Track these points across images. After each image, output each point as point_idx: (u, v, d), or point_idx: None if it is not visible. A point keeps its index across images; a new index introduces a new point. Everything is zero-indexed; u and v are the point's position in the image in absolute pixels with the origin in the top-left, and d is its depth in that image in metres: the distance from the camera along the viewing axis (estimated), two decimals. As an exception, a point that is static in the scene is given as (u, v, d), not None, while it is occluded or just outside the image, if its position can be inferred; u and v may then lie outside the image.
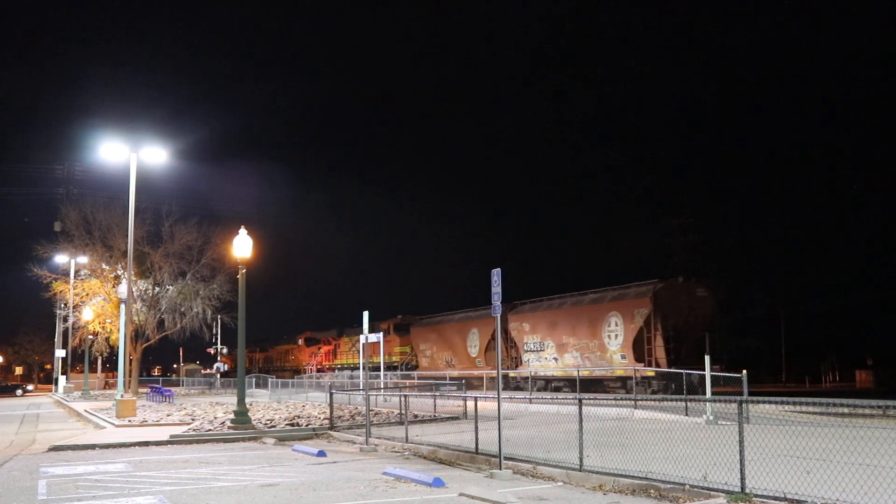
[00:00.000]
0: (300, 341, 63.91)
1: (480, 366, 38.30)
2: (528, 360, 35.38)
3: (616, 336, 30.39)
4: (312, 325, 68.07)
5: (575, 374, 30.75)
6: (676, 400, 20.20)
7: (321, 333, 60.34)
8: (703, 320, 29.13)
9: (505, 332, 37.39)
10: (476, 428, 13.84)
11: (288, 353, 66.12)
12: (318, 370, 56.26)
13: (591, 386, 30.81)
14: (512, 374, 34.97)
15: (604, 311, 31.20)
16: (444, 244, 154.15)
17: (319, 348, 59.11)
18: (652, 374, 28.37)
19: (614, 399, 18.08)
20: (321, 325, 62.44)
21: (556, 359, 33.67)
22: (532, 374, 33.73)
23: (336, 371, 52.27)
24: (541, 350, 34.73)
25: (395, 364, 46.14)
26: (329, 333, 58.38)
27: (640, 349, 29.36)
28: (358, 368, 48.36)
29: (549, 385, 32.99)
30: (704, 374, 23.05)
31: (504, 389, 30.14)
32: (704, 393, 22.01)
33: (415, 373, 42.99)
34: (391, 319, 48.08)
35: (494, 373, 36.26)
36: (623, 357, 29.90)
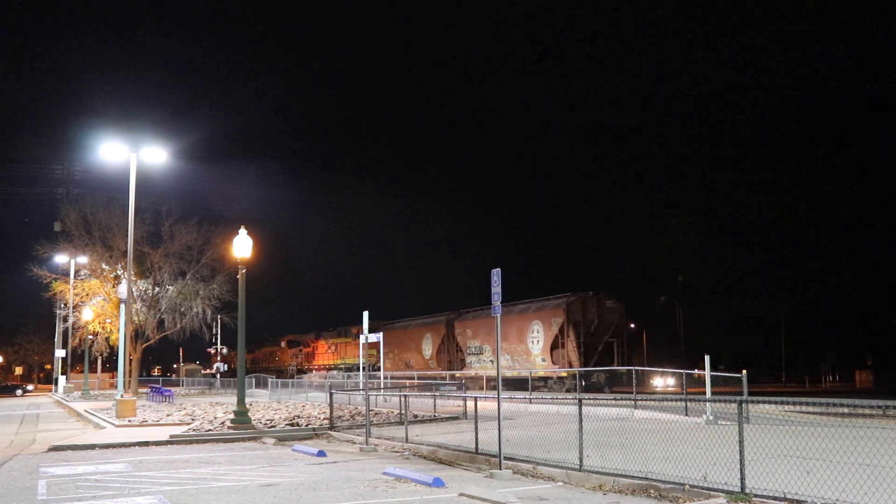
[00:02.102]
0: (283, 343, 66.32)
1: (433, 367, 42.38)
2: (471, 361, 39.82)
3: (538, 342, 34.91)
4: (310, 325, 69.91)
5: (507, 374, 35.02)
6: (677, 400, 20.21)
7: (301, 336, 63.04)
8: (612, 328, 33.97)
9: (452, 336, 42.08)
10: (476, 428, 13.84)
11: (272, 355, 68.07)
12: (299, 370, 58.79)
13: (521, 384, 33.76)
14: (458, 374, 38.86)
15: (528, 319, 35.61)
16: (442, 245, 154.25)
17: (301, 350, 61.59)
18: (565, 374, 32.74)
19: (614, 399, 18.09)
20: (318, 325, 64.81)
21: (491, 361, 38.01)
22: (474, 374, 38.14)
23: (314, 371, 55.44)
24: (480, 353, 39.32)
25: (363, 365, 48.94)
26: (308, 336, 60.96)
27: (557, 353, 33.69)
28: (333, 369, 52.71)
29: (489, 384, 36.02)
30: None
31: (452, 388, 31.55)
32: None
33: (378, 374, 45.62)
34: (360, 324, 50.11)
35: (445, 373, 39.94)
36: (543, 360, 34.26)
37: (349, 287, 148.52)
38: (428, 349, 43.92)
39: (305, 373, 56.42)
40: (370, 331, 51.13)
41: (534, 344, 35.06)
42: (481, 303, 40.72)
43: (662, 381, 42.05)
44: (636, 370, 24.90)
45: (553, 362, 33.58)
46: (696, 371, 24.18)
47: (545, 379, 33.72)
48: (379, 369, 47.11)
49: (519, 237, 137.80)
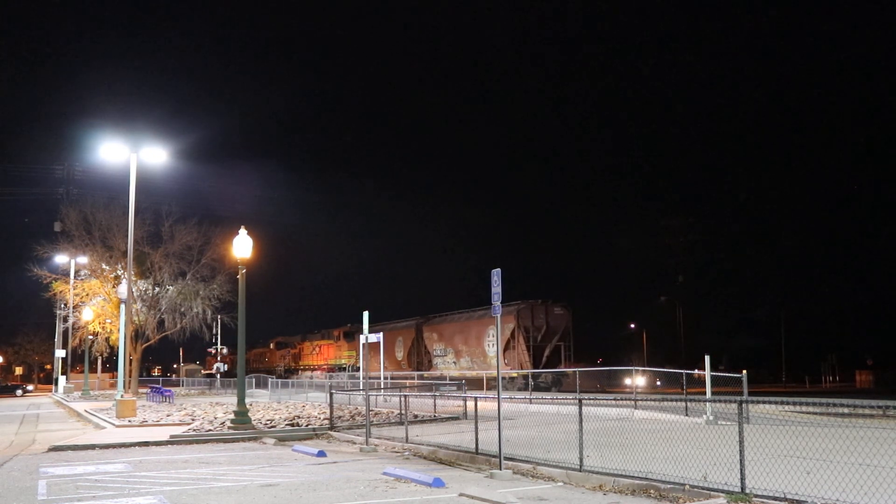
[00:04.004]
0: (272, 345, 69.22)
1: (404, 367, 45.72)
2: (436, 363, 43.33)
3: (493, 345, 38.31)
4: (306, 325, 72.29)
5: (468, 374, 38.25)
6: (677, 400, 20.21)
7: (289, 338, 66.47)
8: (560, 332, 37.19)
9: (421, 339, 45.38)
10: (476, 428, 13.83)
11: (262, 356, 70.48)
12: (287, 371, 61.70)
13: (479, 384, 36.39)
14: (426, 374, 42.08)
15: (485, 325, 38.98)
16: (442, 245, 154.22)
17: (289, 351, 64.56)
18: (515, 374, 35.69)
19: (614, 399, 18.07)
20: (309, 326, 68.42)
21: (454, 362, 41.71)
22: (440, 374, 41.18)
23: (300, 372, 58.88)
24: (444, 355, 42.96)
25: (344, 366, 52.98)
26: (295, 338, 64.57)
27: (509, 355, 37.17)
28: (316, 370, 56.01)
29: (486, 385, 38.58)
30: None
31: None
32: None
33: (357, 374, 48.84)
34: (342, 327, 54.66)
35: (415, 374, 42.14)
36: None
37: (344, 288, 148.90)
38: (400, 351, 47.04)
39: (293, 373, 59.19)
40: (348, 336, 54.70)
41: (490, 347, 38.56)
42: (449, 307, 45.32)
43: (631, 381, 42.84)
44: (635, 369, 25.51)
45: (506, 364, 36.67)
46: (696, 371, 24.16)
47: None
48: (359, 369, 49.61)
49: (515, 240, 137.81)
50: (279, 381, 41.79)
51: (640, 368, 31.40)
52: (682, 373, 23.83)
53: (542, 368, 34.14)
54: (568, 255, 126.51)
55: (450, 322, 43.47)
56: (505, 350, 37.07)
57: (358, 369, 50.22)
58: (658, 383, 43.89)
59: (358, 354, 51.66)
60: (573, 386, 34.06)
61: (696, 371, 23.98)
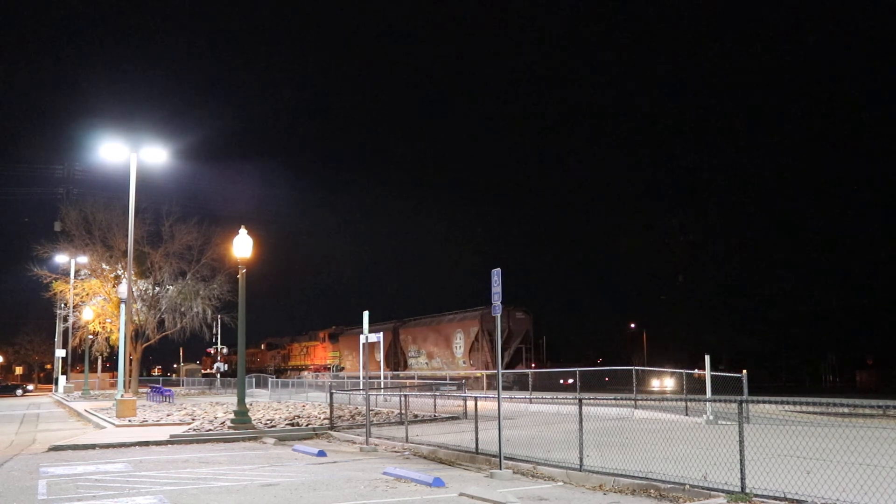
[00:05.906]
0: (263, 346, 72.50)
1: (383, 367, 48.17)
2: (411, 363, 46.64)
3: (460, 347, 41.62)
4: (297, 325, 75.90)
5: (438, 374, 40.65)
6: (677, 400, 20.23)
7: (279, 339, 70.02)
8: (521, 335, 39.74)
9: (397, 341, 48.31)
10: (476, 428, 13.84)
11: (255, 357, 73.00)
12: (277, 370, 64.78)
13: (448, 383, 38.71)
14: (402, 374, 44.94)
15: (453, 328, 42.37)
16: (442, 245, 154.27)
17: (278, 352, 67.98)
18: (479, 374, 37.74)
19: (614, 399, 18.05)
20: (303, 326, 71.23)
21: (426, 363, 45.00)
22: (414, 374, 43.83)
23: (288, 371, 62.06)
24: (418, 357, 46.17)
25: (329, 366, 55.83)
26: (284, 340, 68.09)
27: (475, 356, 40.35)
28: (304, 370, 58.72)
29: (426, 383, 40.65)
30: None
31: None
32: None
33: (343, 374, 52.04)
34: (327, 329, 57.65)
35: (390, 373, 43.88)
36: (464, 362, 41.05)
37: (327, 291, 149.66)
38: (379, 352, 49.68)
39: (283, 372, 61.99)
40: (332, 337, 56.97)
41: (457, 349, 41.78)
42: (424, 311, 48.54)
43: (564, 381, 43.40)
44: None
45: (472, 364, 39.79)
46: (696, 371, 24.13)
47: (466, 378, 38.62)
48: (342, 369, 52.75)
49: (506, 242, 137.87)
50: (279, 380, 41.93)
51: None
52: (683, 372, 23.83)
53: (505, 369, 36.07)
54: (566, 256, 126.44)
55: (423, 326, 46.49)
56: (471, 351, 39.99)
57: (341, 369, 53.81)
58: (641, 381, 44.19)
59: (341, 355, 55.18)
60: (532, 384, 35.50)
61: (696, 371, 23.94)
